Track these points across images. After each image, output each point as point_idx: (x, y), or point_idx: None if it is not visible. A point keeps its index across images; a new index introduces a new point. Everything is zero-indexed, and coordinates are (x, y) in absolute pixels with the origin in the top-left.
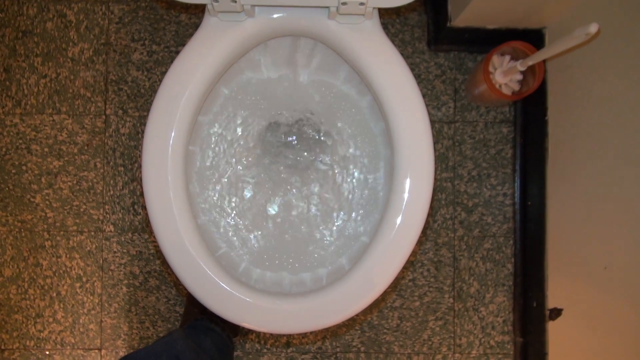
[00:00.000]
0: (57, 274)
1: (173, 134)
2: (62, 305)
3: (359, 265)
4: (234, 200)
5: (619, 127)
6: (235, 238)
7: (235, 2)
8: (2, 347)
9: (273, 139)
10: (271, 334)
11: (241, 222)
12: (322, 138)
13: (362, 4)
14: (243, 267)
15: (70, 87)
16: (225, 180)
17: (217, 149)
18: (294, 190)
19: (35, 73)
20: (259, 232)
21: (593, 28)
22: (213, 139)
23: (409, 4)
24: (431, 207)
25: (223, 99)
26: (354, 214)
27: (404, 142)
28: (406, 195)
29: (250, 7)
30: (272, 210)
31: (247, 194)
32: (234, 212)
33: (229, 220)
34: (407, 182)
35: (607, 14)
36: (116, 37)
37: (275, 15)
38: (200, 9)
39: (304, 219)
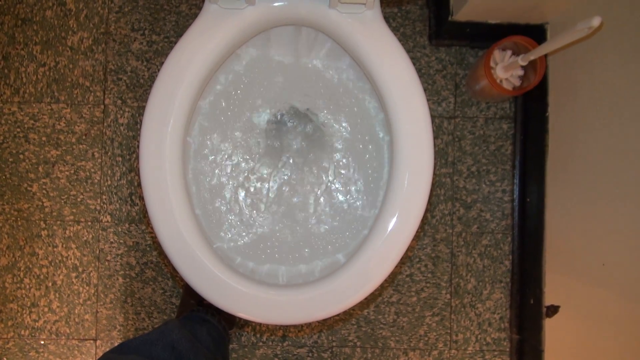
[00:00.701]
0: (53, 264)
1: (171, 124)
2: (57, 295)
3: (356, 258)
4: (231, 191)
5: (620, 124)
6: (232, 229)
7: None
8: None
9: (272, 128)
10: (267, 327)
11: (238, 213)
12: (322, 127)
13: None
14: (240, 259)
15: (69, 76)
16: (222, 171)
17: (214, 138)
18: (293, 180)
19: (34, 61)
20: (256, 224)
21: (596, 21)
22: (209, 127)
23: None
24: (430, 203)
25: (220, 87)
26: (353, 209)
27: (403, 136)
28: (404, 190)
29: None
30: (269, 200)
31: (244, 184)
32: (231, 203)
33: (225, 211)
34: (406, 176)
35: (610, 9)
36: (116, 27)
37: (276, 4)
38: None
39: (302, 211)
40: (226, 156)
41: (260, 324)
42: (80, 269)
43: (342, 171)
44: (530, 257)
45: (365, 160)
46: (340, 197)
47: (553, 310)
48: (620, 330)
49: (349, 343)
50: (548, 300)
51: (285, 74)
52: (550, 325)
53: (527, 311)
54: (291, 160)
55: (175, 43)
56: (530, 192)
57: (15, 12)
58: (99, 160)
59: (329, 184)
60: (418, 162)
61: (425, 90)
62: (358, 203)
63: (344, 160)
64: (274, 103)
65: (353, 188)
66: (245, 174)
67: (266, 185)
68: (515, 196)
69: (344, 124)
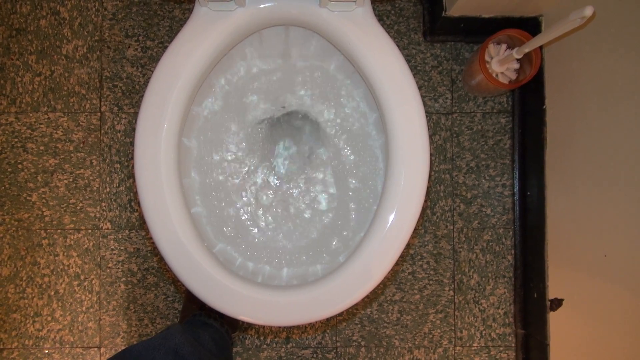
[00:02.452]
0: (54, 273)
1: (165, 127)
2: (60, 304)
3: (355, 257)
4: (230, 194)
5: (618, 114)
6: (232, 232)
7: None
8: (1, 347)
9: (269, 130)
10: (271, 329)
11: (238, 215)
12: (318, 127)
13: None
14: (239, 261)
15: (65, 84)
16: (221, 173)
17: (211, 140)
18: (292, 181)
19: (29, 71)
20: (256, 226)
21: (588, 11)
22: (207, 130)
23: None
24: (429, 199)
25: (216, 90)
26: (351, 208)
27: (398, 131)
28: (402, 185)
29: None
30: (269, 202)
31: (243, 186)
32: (230, 206)
33: (225, 214)
34: (403, 171)
35: None
36: (110, 34)
37: (265, 4)
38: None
39: (300, 211)
40: (223, 158)
41: (263, 326)
42: (82, 277)
43: (339, 169)
44: (532, 251)
45: (363, 158)
46: (338, 195)
47: (557, 303)
48: (624, 321)
49: (353, 343)
50: (552, 293)
51: (278, 73)
52: (554, 319)
53: (531, 305)
54: (287, 161)
55: None
56: (530, 185)
57: (9, 22)
58: (97, 167)
59: (326, 183)
60: (414, 156)
61: (421, 86)
62: (351, 204)
63: (342, 159)
64: (270, 103)
65: (351, 187)
66: (242, 175)
67: (261, 185)
68: (515, 190)
69: (340, 123)
